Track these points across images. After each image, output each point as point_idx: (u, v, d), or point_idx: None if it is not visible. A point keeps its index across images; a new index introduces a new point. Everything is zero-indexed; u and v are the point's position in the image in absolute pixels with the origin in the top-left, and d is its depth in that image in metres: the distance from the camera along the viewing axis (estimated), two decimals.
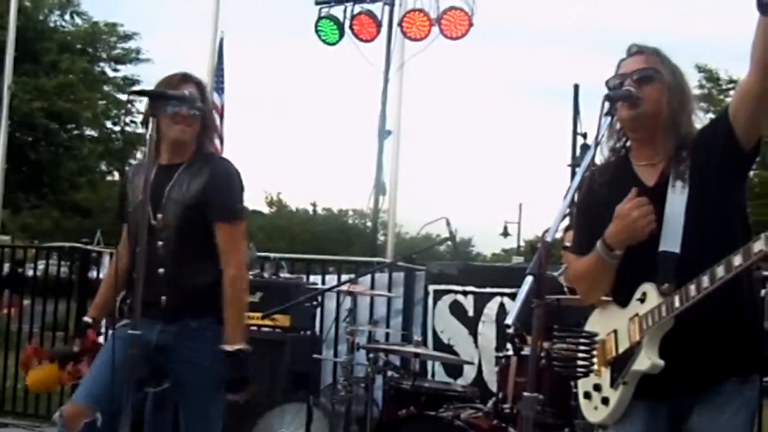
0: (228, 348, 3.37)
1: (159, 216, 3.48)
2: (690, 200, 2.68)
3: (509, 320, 2.21)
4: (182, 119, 3.48)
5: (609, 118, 2.65)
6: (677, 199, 2.70)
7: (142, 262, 3.15)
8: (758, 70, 2.51)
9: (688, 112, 2.79)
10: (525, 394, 2.36)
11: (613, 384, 2.71)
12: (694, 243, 2.63)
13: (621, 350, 2.71)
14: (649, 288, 2.68)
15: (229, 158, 3.72)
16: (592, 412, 2.82)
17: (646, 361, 2.63)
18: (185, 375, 3.49)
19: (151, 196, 3.35)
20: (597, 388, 2.79)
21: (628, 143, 2.88)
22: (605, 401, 2.76)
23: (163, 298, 3.45)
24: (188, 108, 3.46)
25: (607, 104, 2.65)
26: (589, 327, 2.79)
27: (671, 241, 2.67)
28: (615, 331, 2.75)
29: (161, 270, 3.46)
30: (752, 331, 2.73)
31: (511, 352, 4.47)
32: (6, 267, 8.07)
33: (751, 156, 2.69)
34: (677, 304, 2.58)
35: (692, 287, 2.55)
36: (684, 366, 2.63)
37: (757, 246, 2.42)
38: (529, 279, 2.28)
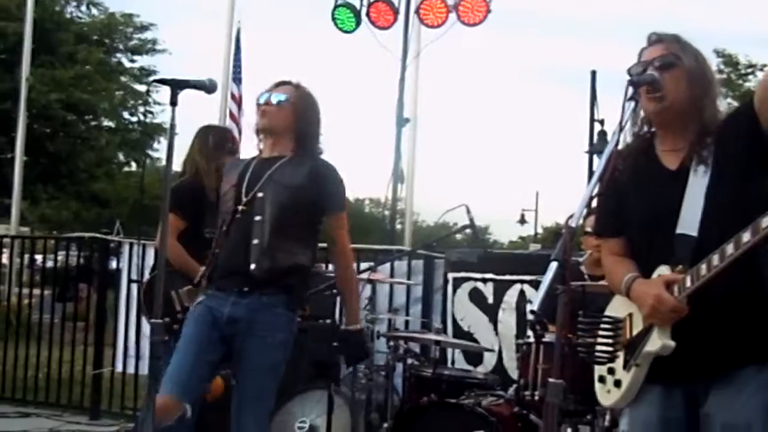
0: (352, 328, 3.90)
1: (259, 195, 3.71)
2: (711, 185, 2.66)
3: (534, 307, 2.20)
4: (265, 108, 3.79)
5: (632, 103, 2.63)
6: (698, 182, 2.68)
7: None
8: None
9: (711, 97, 2.76)
10: (550, 380, 2.36)
11: (626, 366, 2.69)
12: (711, 227, 2.61)
13: (635, 333, 2.70)
14: (664, 270, 2.68)
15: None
16: (605, 395, 2.81)
17: (658, 342, 2.62)
18: (248, 348, 3.64)
19: (250, 178, 3.73)
20: (611, 371, 2.78)
21: (652, 129, 2.86)
22: (618, 384, 2.75)
23: (253, 266, 3.63)
24: (270, 98, 3.78)
25: (630, 89, 2.62)
26: (609, 311, 2.79)
27: (689, 224, 2.66)
28: (630, 315, 2.74)
29: (255, 241, 3.66)
30: None
31: (531, 339, 4.45)
32: (74, 260, 8.10)
33: None
34: (689, 283, 2.57)
35: (703, 266, 2.54)
36: (699, 350, 2.62)
37: (765, 221, 2.40)
38: (553, 265, 2.26)
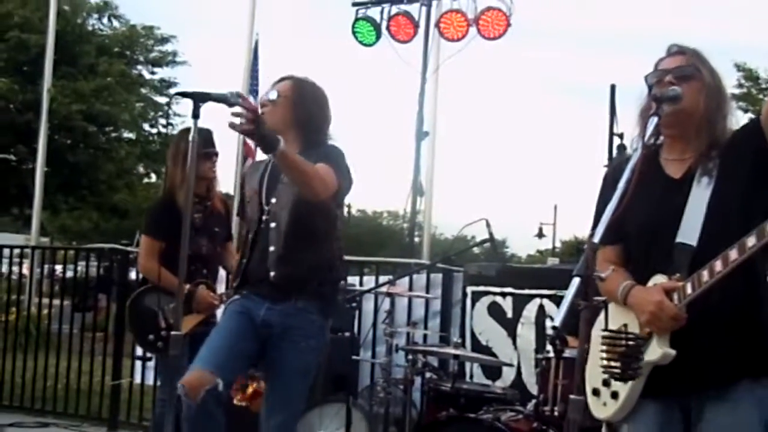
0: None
1: (273, 200, 3.70)
2: (713, 196, 2.69)
3: (556, 323, 2.18)
4: (263, 109, 3.71)
5: (656, 119, 2.62)
6: (701, 193, 2.71)
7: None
8: None
9: (723, 113, 2.79)
10: (572, 397, 2.34)
11: None
12: (711, 238, 2.63)
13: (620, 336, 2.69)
14: (660, 279, 2.69)
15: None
16: (601, 408, 2.80)
17: (658, 350, 2.63)
18: (281, 352, 3.66)
19: (267, 185, 3.72)
20: (606, 383, 2.78)
21: (660, 140, 2.88)
22: (615, 395, 2.75)
23: (272, 273, 3.64)
24: (265, 97, 3.76)
25: (654, 105, 2.62)
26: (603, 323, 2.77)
27: (689, 234, 2.68)
28: (625, 325, 2.74)
29: (272, 248, 3.66)
30: (766, 333, 2.71)
31: (551, 354, 4.42)
32: (95, 270, 8.14)
33: None
34: (689, 290, 2.58)
35: (705, 272, 2.56)
36: (694, 362, 2.63)
37: (750, 241, 2.43)
38: (576, 281, 2.25)
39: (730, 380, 2.64)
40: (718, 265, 2.52)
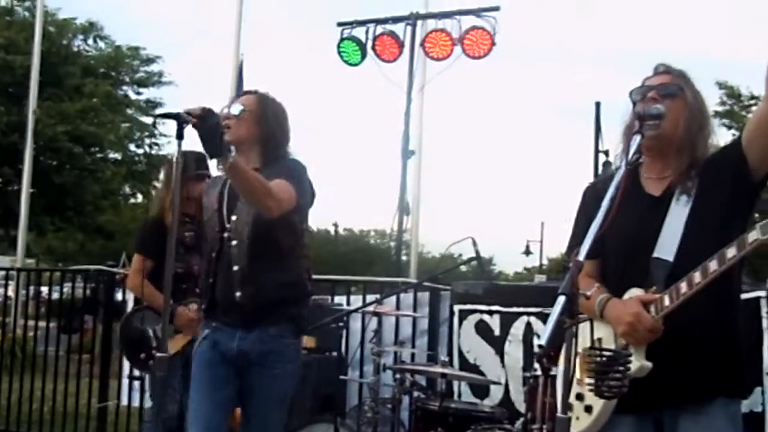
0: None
1: (233, 218, 3.63)
2: (691, 214, 2.73)
3: (542, 342, 2.19)
4: (225, 121, 3.54)
5: (639, 137, 2.64)
6: (680, 211, 2.75)
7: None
8: None
9: (705, 135, 2.82)
10: (558, 415, 2.34)
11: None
12: (688, 255, 2.66)
13: (604, 354, 2.70)
14: (637, 292, 2.71)
15: None
16: (574, 422, 2.80)
17: (635, 363, 2.63)
18: (258, 380, 3.59)
19: (228, 201, 3.63)
20: (579, 397, 2.79)
21: (641, 159, 2.91)
22: (588, 409, 2.76)
23: (238, 294, 3.57)
24: (228, 111, 3.62)
25: (636, 123, 2.65)
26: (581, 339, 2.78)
27: (666, 249, 2.72)
28: (599, 339, 2.76)
29: (236, 267, 3.59)
30: (742, 355, 2.77)
31: (539, 372, 4.43)
32: (81, 291, 8.10)
33: (759, 186, 2.74)
34: (667, 302, 2.61)
35: (683, 284, 2.59)
36: (669, 377, 2.66)
37: (752, 236, 2.46)
38: (561, 299, 2.26)
39: (706, 397, 2.67)
40: (697, 276, 2.55)
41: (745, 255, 2.51)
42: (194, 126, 3.10)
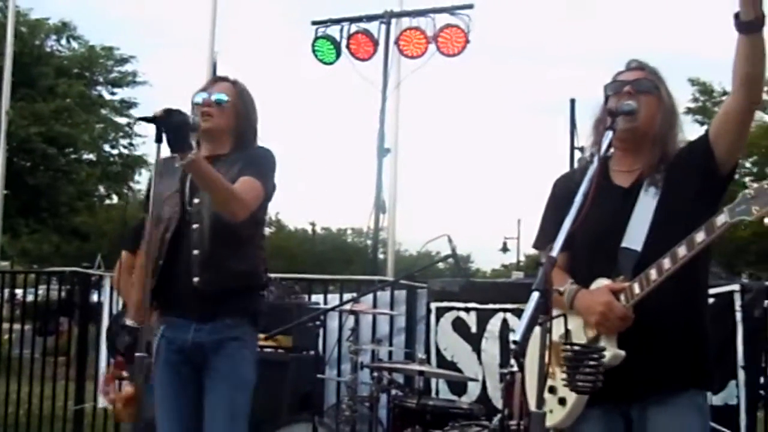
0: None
1: (195, 201, 3.55)
2: (659, 206, 2.78)
3: (517, 338, 2.20)
4: (206, 108, 3.56)
5: (611, 133, 2.66)
6: (648, 201, 2.80)
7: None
8: (739, 87, 2.64)
9: (675, 132, 2.89)
10: (532, 410, 2.35)
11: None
12: (656, 245, 2.70)
13: (577, 348, 2.73)
14: (604, 282, 2.75)
15: None
16: (548, 416, 2.81)
17: (608, 352, 2.66)
18: (217, 369, 3.51)
19: (191, 184, 3.52)
20: (552, 390, 2.81)
21: (611, 152, 2.94)
22: (562, 402, 2.78)
23: (196, 279, 3.48)
24: (210, 98, 3.57)
25: (609, 119, 2.67)
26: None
27: (634, 239, 2.76)
28: (568, 331, 2.78)
29: (196, 251, 3.51)
30: (709, 346, 2.83)
31: (515, 369, 4.45)
32: (56, 294, 8.05)
33: (726, 180, 2.79)
34: (637, 290, 2.64)
35: (653, 271, 2.63)
36: (640, 369, 2.69)
37: (721, 219, 2.51)
38: (535, 295, 2.27)
39: (675, 388, 2.70)
40: (666, 262, 2.59)
41: (714, 240, 2.55)
42: (159, 120, 3.05)
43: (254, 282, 3.66)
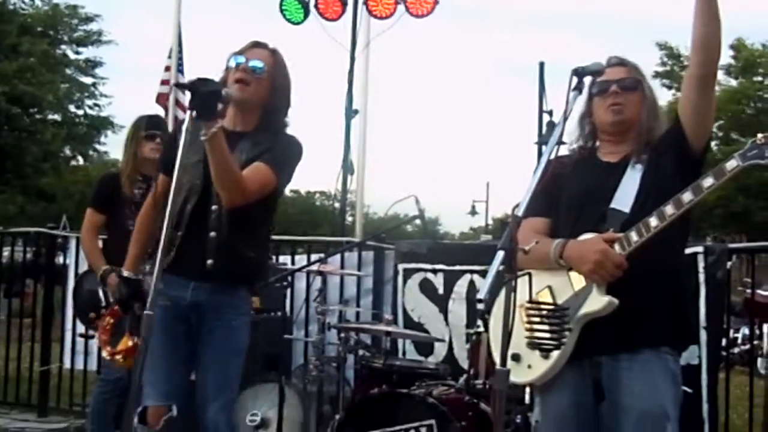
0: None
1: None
2: (644, 177, 2.88)
3: (481, 295, 2.22)
4: (241, 74, 3.44)
5: (577, 93, 2.67)
6: (635, 175, 2.90)
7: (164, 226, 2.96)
8: (696, 51, 2.80)
9: (659, 121, 3.01)
10: (497, 368, 2.37)
11: None
12: (642, 209, 2.78)
13: (562, 301, 2.79)
14: (591, 236, 2.77)
15: None
16: (525, 372, 2.85)
17: (601, 299, 2.72)
18: (213, 333, 3.49)
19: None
20: (532, 346, 2.82)
21: (597, 144, 3.08)
22: (546, 356, 2.78)
23: (209, 261, 3.44)
24: (247, 63, 3.44)
25: (575, 79, 2.67)
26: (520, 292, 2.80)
27: (623, 202, 2.84)
28: (549, 287, 2.82)
29: (212, 234, 3.45)
30: (688, 312, 2.98)
31: (481, 329, 4.49)
32: (21, 255, 7.95)
33: (700, 158, 2.90)
34: (635, 237, 2.70)
35: (653, 219, 2.70)
36: (618, 324, 2.73)
37: (731, 164, 2.63)
38: (500, 254, 2.29)
39: (650, 344, 2.74)
40: (669, 208, 2.68)
41: (721, 185, 2.66)
42: (191, 87, 2.99)
43: (261, 273, 3.74)
